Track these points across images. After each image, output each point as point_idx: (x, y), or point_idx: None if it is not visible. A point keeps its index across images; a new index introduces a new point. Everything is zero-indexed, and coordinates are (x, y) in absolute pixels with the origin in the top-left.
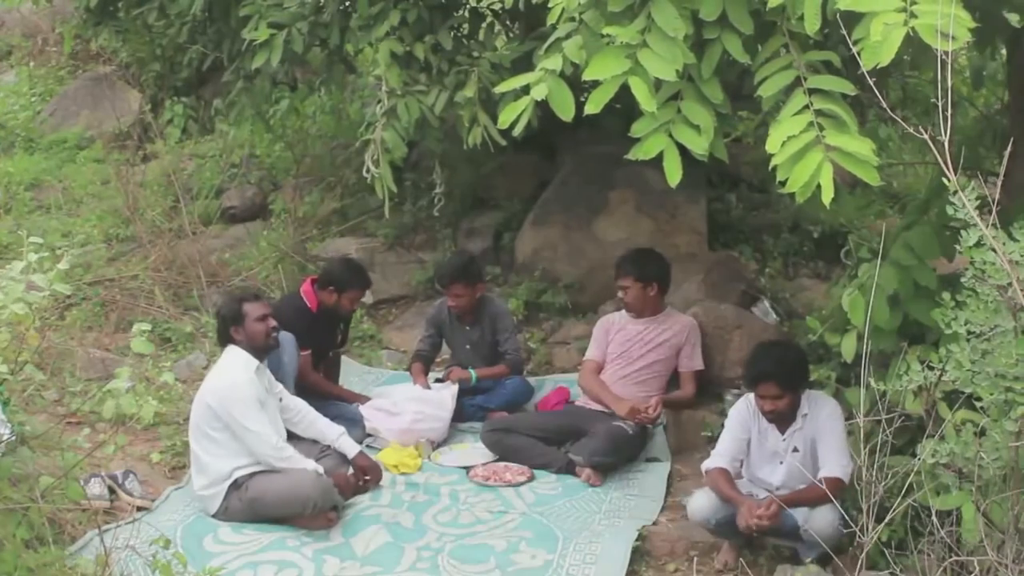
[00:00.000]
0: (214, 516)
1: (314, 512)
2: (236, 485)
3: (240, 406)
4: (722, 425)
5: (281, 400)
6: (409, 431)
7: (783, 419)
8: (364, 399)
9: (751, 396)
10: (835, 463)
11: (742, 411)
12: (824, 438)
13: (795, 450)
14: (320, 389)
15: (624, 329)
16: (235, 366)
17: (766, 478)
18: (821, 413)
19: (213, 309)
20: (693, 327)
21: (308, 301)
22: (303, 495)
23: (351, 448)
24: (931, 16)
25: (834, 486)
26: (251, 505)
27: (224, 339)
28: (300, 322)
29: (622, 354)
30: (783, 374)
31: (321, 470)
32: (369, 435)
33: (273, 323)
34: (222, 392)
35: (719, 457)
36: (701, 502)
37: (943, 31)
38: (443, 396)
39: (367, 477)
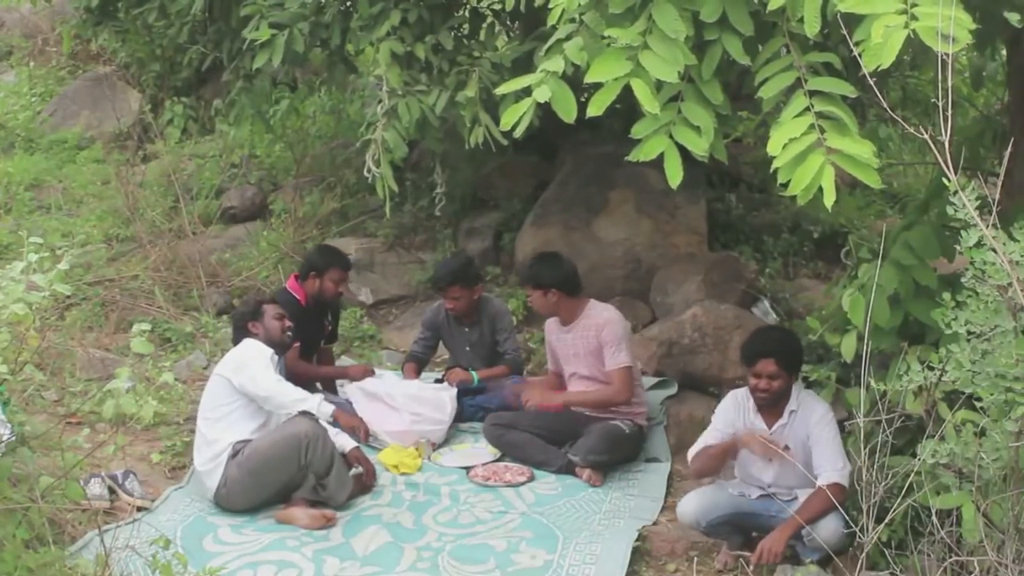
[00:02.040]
0: (214, 494)
1: (309, 451)
2: (234, 453)
3: (257, 363)
4: None
5: None
6: (407, 432)
7: (772, 407)
8: (362, 370)
9: (738, 392)
10: (832, 469)
11: (727, 407)
12: (819, 443)
13: (786, 448)
14: (311, 375)
15: (560, 340)
16: (252, 346)
17: (758, 475)
18: (812, 416)
19: (214, 309)
20: (607, 323)
21: (296, 295)
22: (293, 432)
23: (348, 443)
24: (931, 18)
25: (836, 493)
26: (247, 464)
27: (239, 335)
28: (290, 315)
29: (572, 374)
30: (784, 352)
31: (327, 405)
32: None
33: (289, 324)
34: (240, 360)
35: (704, 447)
36: (689, 506)
37: (943, 33)
38: (442, 398)
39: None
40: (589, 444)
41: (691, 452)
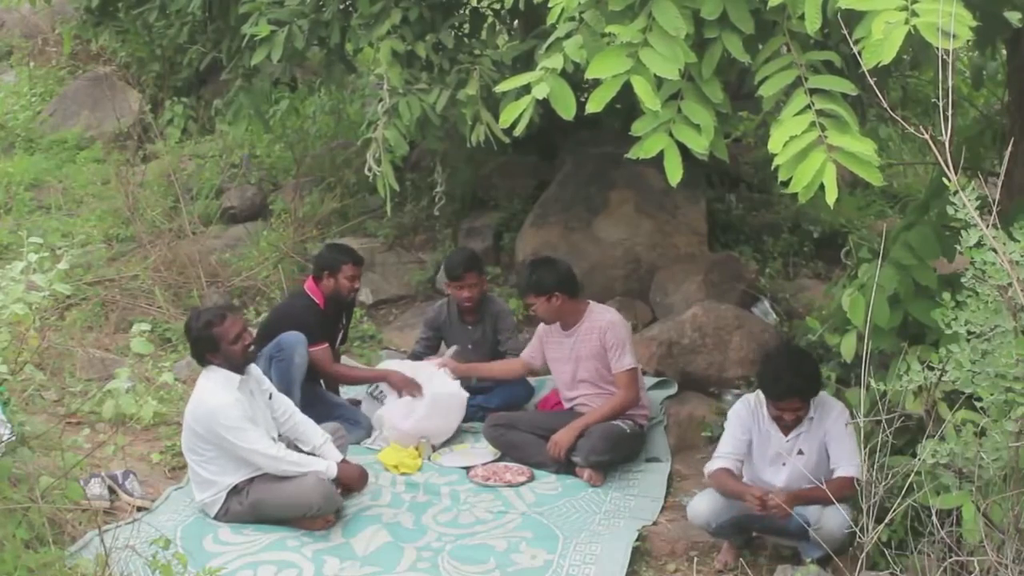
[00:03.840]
0: (214, 518)
1: (316, 515)
2: (236, 490)
3: (232, 431)
4: (722, 426)
5: (271, 397)
6: (412, 431)
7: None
8: (393, 376)
9: (750, 397)
10: (849, 462)
11: (741, 412)
12: (836, 440)
13: (800, 453)
14: (350, 379)
15: (561, 345)
16: (215, 390)
17: (769, 480)
18: (829, 416)
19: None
20: (609, 327)
21: (315, 298)
22: (304, 501)
23: (334, 456)
24: (932, 14)
25: (849, 484)
26: (252, 509)
27: (201, 361)
28: (311, 318)
29: (576, 379)
30: (810, 388)
31: (333, 467)
32: (368, 437)
33: (248, 339)
34: (209, 417)
35: (721, 459)
36: (701, 507)
37: (944, 29)
38: (458, 405)
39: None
40: (591, 445)
41: (711, 467)
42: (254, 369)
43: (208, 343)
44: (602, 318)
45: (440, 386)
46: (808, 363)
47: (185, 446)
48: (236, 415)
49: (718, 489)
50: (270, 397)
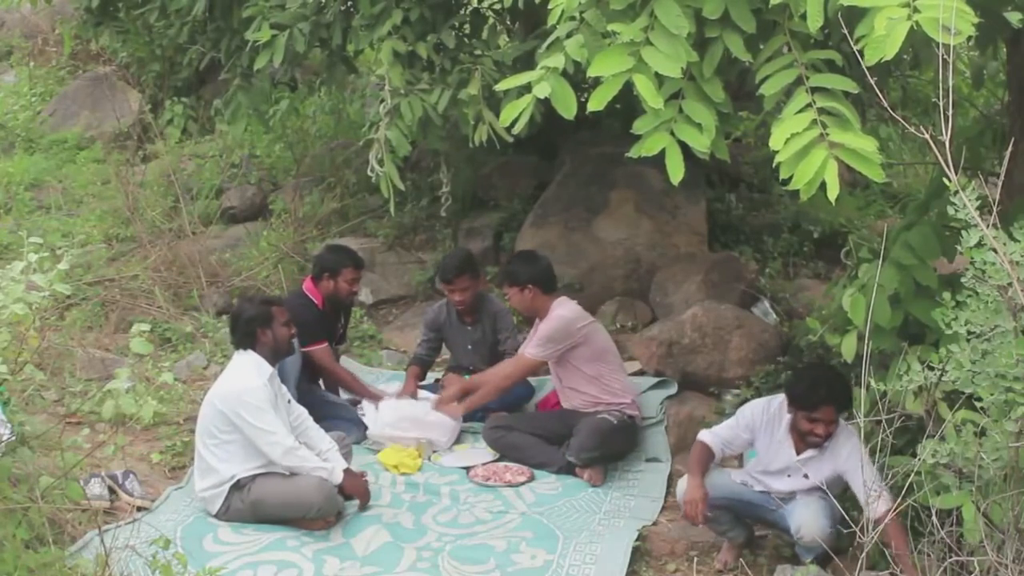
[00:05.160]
0: (215, 516)
1: (316, 516)
2: (238, 486)
3: (254, 411)
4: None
5: (289, 402)
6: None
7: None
8: (380, 396)
9: (774, 401)
10: (881, 497)
11: (757, 416)
12: (859, 476)
13: (806, 476)
14: (343, 382)
15: None
16: (248, 372)
17: (772, 484)
18: (841, 452)
19: (214, 309)
20: (549, 318)
21: (313, 298)
22: (306, 501)
23: (339, 463)
24: (934, 10)
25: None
26: (253, 507)
27: (245, 341)
28: (309, 317)
29: (554, 376)
30: (845, 399)
31: (339, 471)
32: (367, 438)
33: (294, 329)
34: (235, 397)
35: (714, 436)
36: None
37: (945, 25)
38: (445, 421)
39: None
40: (580, 442)
41: (701, 435)
42: (277, 376)
43: (265, 319)
44: (553, 311)
45: (424, 413)
46: (842, 377)
47: (201, 428)
48: (262, 397)
49: (690, 465)
50: (288, 402)
